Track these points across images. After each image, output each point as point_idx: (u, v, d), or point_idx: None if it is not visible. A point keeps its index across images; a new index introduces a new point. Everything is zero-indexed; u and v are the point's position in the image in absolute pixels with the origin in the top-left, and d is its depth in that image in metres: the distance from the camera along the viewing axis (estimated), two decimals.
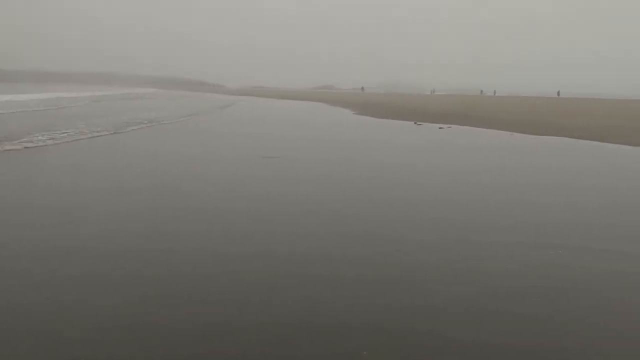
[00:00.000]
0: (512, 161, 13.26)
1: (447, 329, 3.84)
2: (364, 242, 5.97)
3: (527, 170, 11.76)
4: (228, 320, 3.90)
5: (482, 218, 7.22)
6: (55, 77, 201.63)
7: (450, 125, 23.35)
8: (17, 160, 11.42)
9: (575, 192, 9.31)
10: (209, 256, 5.33)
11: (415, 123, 24.91)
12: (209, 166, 11.29)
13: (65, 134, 15.53)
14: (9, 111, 25.16)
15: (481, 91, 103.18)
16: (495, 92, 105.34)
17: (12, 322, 3.80)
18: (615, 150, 15.70)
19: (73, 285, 4.50)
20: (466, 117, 28.10)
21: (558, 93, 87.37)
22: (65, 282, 4.57)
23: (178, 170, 10.53)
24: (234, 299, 4.28)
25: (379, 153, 14.26)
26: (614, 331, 3.91)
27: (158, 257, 5.24)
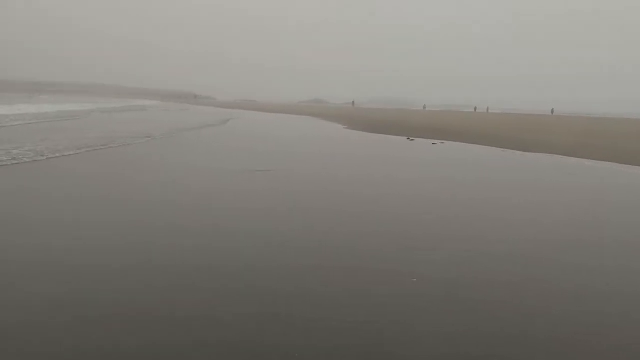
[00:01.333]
0: (505, 177, 13.08)
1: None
2: (353, 254, 5.84)
3: (521, 187, 11.57)
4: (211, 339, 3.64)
5: (475, 233, 6.99)
6: (52, 88, 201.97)
7: (443, 141, 23.20)
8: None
9: (565, 208, 9.17)
10: (196, 270, 5.14)
11: (408, 138, 24.75)
12: (205, 179, 11.06)
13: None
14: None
15: (475, 108, 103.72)
16: (488, 108, 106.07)
17: None
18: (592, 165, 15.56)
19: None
20: (459, 133, 28.01)
21: (552, 111, 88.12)
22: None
23: (174, 183, 10.37)
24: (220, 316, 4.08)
25: (371, 168, 14.02)
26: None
27: (146, 272, 5.01)
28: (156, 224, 6.99)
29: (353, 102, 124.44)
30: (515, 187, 11.64)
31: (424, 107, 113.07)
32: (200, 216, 7.52)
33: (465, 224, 7.74)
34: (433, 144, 22.29)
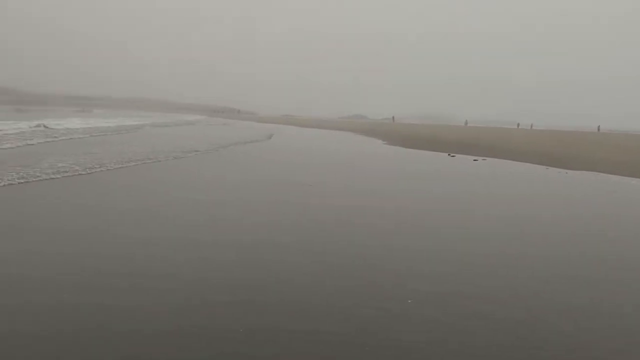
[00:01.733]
0: (547, 195, 13.08)
1: None
2: (386, 269, 6.03)
3: (563, 205, 11.60)
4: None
5: (514, 251, 7.15)
6: (100, 102, 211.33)
7: (485, 158, 23.17)
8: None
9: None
10: (244, 284, 5.34)
11: (448, 154, 24.82)
12: (252, 192, 11.55)
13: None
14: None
15: (518, 124, 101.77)
16: (532, 125, 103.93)
17: None
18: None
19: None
20: (501, 149, 27.83)
21: (598, 128, 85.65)
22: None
23: (218, 196, 10.89)
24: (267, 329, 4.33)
25: (410, 183, 14.22)
26: None
27: (191, 285, 5.33)
28: (201, 237, 7.21)
29: (393, 118, 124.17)
30: (557, 205, 11.66)
31: (466, 123, 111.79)
32: (241, 229, 7.87)
33: (503, 241, 7.92)
34: (474, 160, 22.28)
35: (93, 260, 5.91)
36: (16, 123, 30.43)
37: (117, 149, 19.67)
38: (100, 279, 5.31)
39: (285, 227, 8.08)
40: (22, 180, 11.02)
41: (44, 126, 30.00)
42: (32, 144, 20.34)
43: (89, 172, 13.03)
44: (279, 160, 20.22)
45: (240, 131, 46.44)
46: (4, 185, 10.46)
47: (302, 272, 5.81)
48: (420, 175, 16.31)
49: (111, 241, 6.78)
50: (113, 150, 18.75)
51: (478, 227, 8.78)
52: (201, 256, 6.26)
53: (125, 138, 27.46)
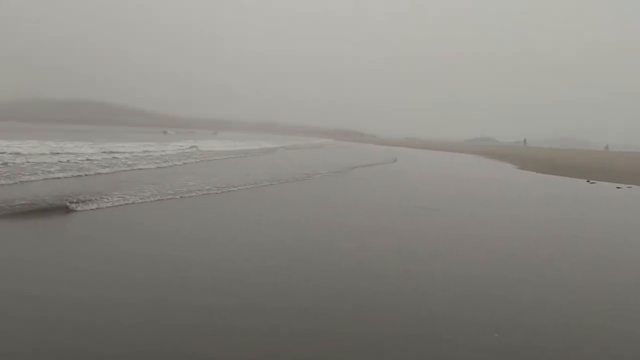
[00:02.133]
0: None
1: None
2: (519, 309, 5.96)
3: None
4: None
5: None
6: (228, 125, 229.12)
7: (630, 186, 21.40)
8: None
9: None
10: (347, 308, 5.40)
11: (587, 181, 23.35)
12: (371, 216, 12.04)
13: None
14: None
15: None
16: None
17: None
18: None
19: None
20: None
21: None
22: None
23: (339, 219, 11.50)
24: None
25: (542, 212, 13.52)
26: None
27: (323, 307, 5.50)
28: (328, 263, 7.27)
29: (525, 141, 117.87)
30: None
31: (606, 147, 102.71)
32: (363, 253, 8.02)
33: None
34: (618, 187, 20.66)
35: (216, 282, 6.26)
36: (165, 144, 35.52)
37: (256, 170, 21.42)
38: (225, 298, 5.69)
39: (410, 253, 8.16)
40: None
41: (196, 148, 35.78)
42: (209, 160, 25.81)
43: (223, 190, 14.32)
44: (405, 183, 20.54)
45: (365, 154, 47.39)
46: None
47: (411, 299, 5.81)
48: (554, 203, 15.62)
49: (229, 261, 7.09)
50: (250, 172, 20.39)
51: (616, 261, 8.39)
52: (330, 283, 6.26)
53: (262, 160, 29.97)
